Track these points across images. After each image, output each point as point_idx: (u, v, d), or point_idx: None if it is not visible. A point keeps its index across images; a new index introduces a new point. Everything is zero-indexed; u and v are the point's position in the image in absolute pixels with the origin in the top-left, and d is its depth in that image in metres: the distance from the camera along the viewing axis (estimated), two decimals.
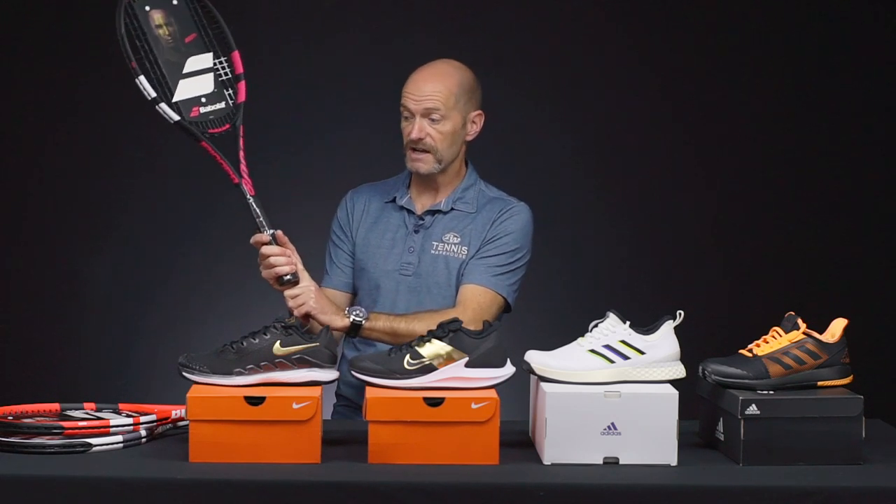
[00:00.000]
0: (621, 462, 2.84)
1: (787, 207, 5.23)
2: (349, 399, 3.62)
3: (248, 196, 3.26)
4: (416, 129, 3.50)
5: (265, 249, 3.30)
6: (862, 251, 5.21)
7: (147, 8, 3.21)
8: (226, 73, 3.29)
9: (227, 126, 3.28)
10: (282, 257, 3.30)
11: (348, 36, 5.22)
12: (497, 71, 5.11)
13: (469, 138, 3.59)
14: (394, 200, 3.62)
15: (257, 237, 3.31)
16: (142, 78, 3.18)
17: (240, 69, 3.30)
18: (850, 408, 2.89)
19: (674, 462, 2.85)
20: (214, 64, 3.27)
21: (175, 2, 3.24)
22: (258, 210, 3.28)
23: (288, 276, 3.30)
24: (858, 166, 5.21)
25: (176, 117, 3.22)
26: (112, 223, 5.23)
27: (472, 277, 3.52)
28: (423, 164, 3.53)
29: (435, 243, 3.57)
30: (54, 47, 5.16)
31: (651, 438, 2.84)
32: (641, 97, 5.24)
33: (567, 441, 2.84)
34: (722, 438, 2.97)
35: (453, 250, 3.55)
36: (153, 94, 3.20)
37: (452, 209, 3.59)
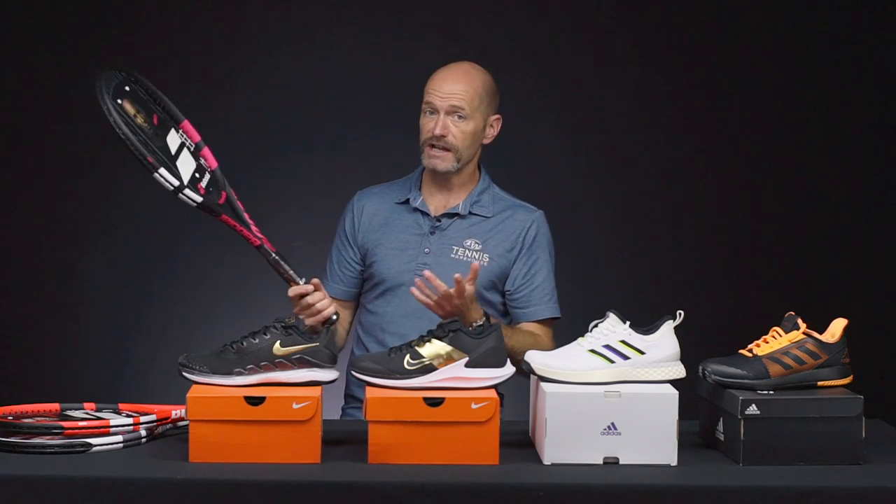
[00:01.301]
0: (621, 462, 2.84)
1: (788, 207, 5.23)
2: (361, 400, 3.61)
3: (272, 254, 3.24)
4: (439, 125, 3.50)
5: (309, 298, 3.28)
6: (862, 251, 5.21)
7: (119, 101, 3.12)
8: (190, 145, 3.22)
9: (225, 195, 3.23)
10: (325, 300, 3.30)
11: (352, 37, 5.21)
12: (497, 70, 5.11)
13: (486, 142, 3.61)
14: (406, 202, 3.62)
15: (298, 289, 3.28)
16: (162, 170, 3.10)
17: (196, 137, 3.22)
18: (850, 408, 2.89)
19: (674, 462, 2.85)
20: (180, 139, 3.20)
21: (128, 88, 3.14)
22: (286, 264, 3.25)
23: (334, 317, 3.31)
24: (858, 166, 5.21)
25: (199, 199, 3.15)
26: (112, 222, 5.23)
27: (537, 314, 3.59)
28: (442, 161, 3.53)
29: (455, 247, 3.57)
30: (54, 45, 5.16)
31: (651, 438, 2.84)
32: (642, 97, 5.24)
33: (567, 441, 2.84)
34: (722, 438, 2.97)
35: (475, 257, 3.56)
36: (176, 183, 3.13)
37: (471, 213, 3.59)
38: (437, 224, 3.59)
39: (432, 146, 3.52)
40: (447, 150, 3.52)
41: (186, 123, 3.20)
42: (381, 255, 3.59)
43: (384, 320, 3.57)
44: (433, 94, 3.52)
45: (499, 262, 3.57)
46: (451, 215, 3.59)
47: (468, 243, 3.57)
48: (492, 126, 3.60)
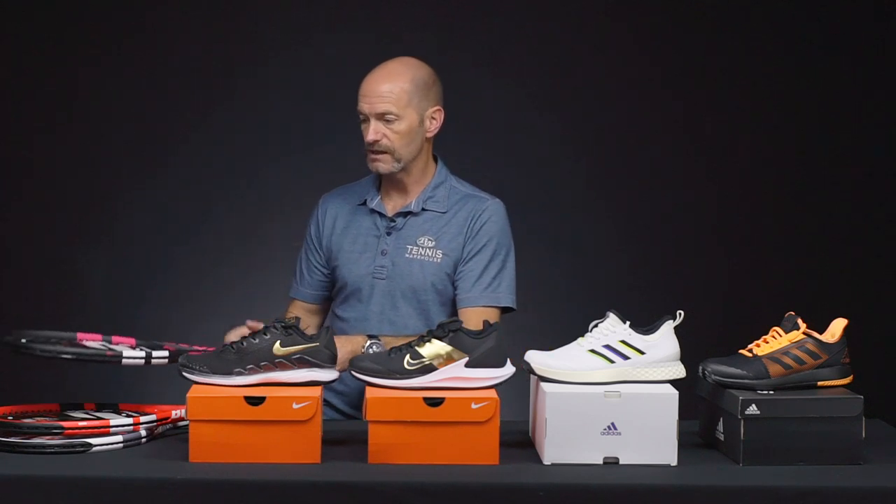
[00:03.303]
0: (621, 462, 2.84)
1: (788, 207, 5.23)
2: (327, 401, 3.61)
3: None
4: (371, 131, 3.49)
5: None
6: (862, 251, 5.21)
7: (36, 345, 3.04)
8: (107, 341, 3.16)
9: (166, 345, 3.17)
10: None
11: (352, 36, 5.21)
12: (495, 70, 5.12)
13: (429, 135, 3.57)
14: (364, 203, 3.61)
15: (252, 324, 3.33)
16: (125, 353, 3.04)
17: (98, 337, 3.16)
18: (850, 408, 2.89)
19: (674, 462, 2.85)
20: (93, 344, 3.14)
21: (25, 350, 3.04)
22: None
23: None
24: (858, 166, 5.21)
25: (166, 354, 3.09)
26: (112, 222, 5.23)
27: (469, 301, 3.52)
28: (383, 163, 3.51)
29: (409, 246, 3.55)
30: (54, 45, 5.16)
31: (651, 438, 2.84)
32: (642, 96, 5.24)
33: (567, 441, 2.84)
34: (722, 438, 2.97)
35: (428, 254, 3.54)
36: (143, 355, 3.06)
37: (424, 210, 3.57)
38: (393, 224, 3.57)
39: (371, 151, 3.51)
40: (385, 152, 3.51)
41: (80, 334, 3.15)
42: (343, 259, 3.59)
43: (349, 325, 3.57)
44: (361, 100, 3.50)
45: (452, 257, 3.55)
46: (405, 214, 3.58)
47: (422, 241, 3.56)
48: (432, 118, 3.55)
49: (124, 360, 2.99)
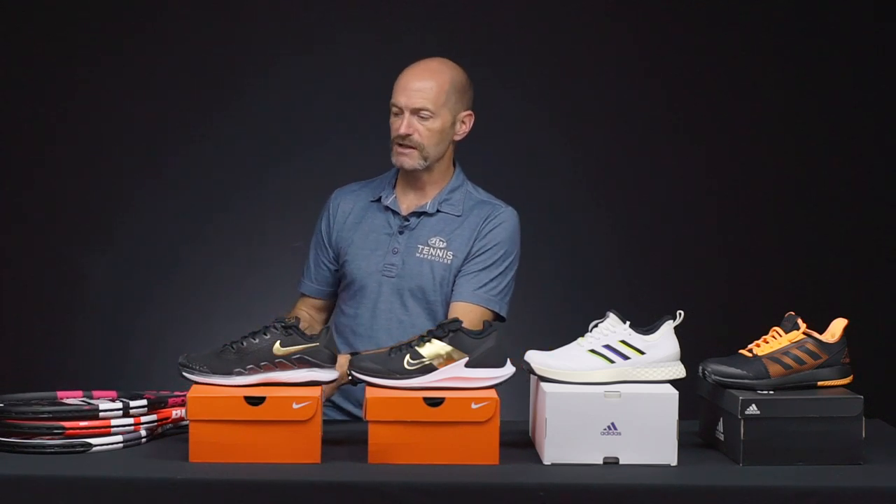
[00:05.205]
0: (621, 462, 2.84)
1: (788, 207, 5.23)
2: (331, 401, 3.60)
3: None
4: (404, 124, 3.48)
5: None
6: (862, 251, 5.21)
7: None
8: (88, 396, 3.12)
9: (146, 394, 3.12)
10: None
11: (354, 37, 5.21)
12: (494, 70, 5.11)
13: (458, 138, 3.57)
14: (379, 200, 3.61)
15: None
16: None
17: (79, 394, 3.12)
18: (850, 408, 2.89)
19: (674, 462, 2.85)
20: (74, 402, 3.08)
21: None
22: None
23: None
24: (858, 166, 5.21)
25: (144, 401, 3.03)
26: (112, 223, 5.23)
27: (460, 295, 3.51)
28: (409, 159, 3.51)
29: (420, 246, 3.55)
30: (55, 46, 5.16)
31: (651, 438, 2.85)
32: (641, 96, 5.24)
33: (567, 441, 2.84)
34: (722, 438, 2.97)
35: (439, 255, 3.54)
36: (119, 405, 2.98)
37: (439, 211, 3.57)
38: (406, 223, 3.57)
39: (399, 144, 3.51)
40: (413, 147, 3.51)
41: (60, 393, 3.11)
42: (352, 254, 3.58)
43: (355, 322, 3.56)
44: (398, 93, 3.50)
45: (461, 258, 3.54)
46: (419, 214, 3.58)
47: (433, 241, 3.55)
48: (463, 122, 3.56)
49: (101, 414, 2.98)
